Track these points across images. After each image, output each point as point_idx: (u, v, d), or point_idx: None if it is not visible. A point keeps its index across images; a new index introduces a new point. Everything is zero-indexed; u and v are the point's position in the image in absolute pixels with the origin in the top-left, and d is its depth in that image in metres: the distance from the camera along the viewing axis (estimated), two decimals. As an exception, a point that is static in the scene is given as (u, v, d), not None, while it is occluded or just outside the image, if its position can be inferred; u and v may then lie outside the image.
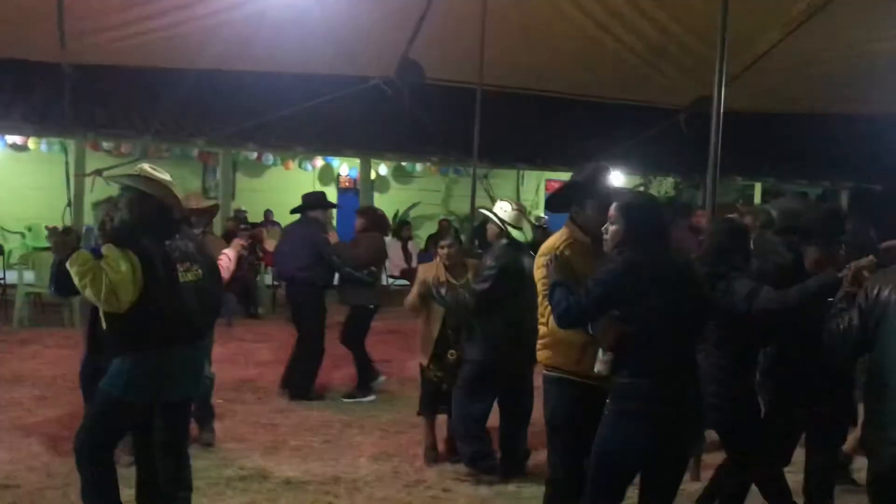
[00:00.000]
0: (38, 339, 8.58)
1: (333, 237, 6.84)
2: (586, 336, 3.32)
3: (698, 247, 5.73)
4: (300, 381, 6.77)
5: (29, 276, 9.54)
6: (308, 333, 6.86)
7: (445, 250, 5.35)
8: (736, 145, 6.54)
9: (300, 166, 14.64)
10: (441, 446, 5.39)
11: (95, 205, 3.91)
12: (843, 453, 4.44)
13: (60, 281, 3.61)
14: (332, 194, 15.28)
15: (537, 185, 17.04)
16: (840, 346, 3.14)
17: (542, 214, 13.40)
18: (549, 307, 3.35)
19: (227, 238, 7.15)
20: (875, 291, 3.01)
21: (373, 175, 14.56)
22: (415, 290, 5.38)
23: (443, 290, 5.05)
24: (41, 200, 13.36)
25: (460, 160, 13.14)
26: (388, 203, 16.08)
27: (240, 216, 12.41)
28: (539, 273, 3.53)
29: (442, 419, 5.42)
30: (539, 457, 5.09)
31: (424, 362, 5.40)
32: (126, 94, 11.94)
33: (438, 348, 5.30)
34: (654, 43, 8.55)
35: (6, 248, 11.99)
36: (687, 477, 4.64)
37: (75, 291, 3.60)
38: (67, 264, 3.49)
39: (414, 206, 16.17)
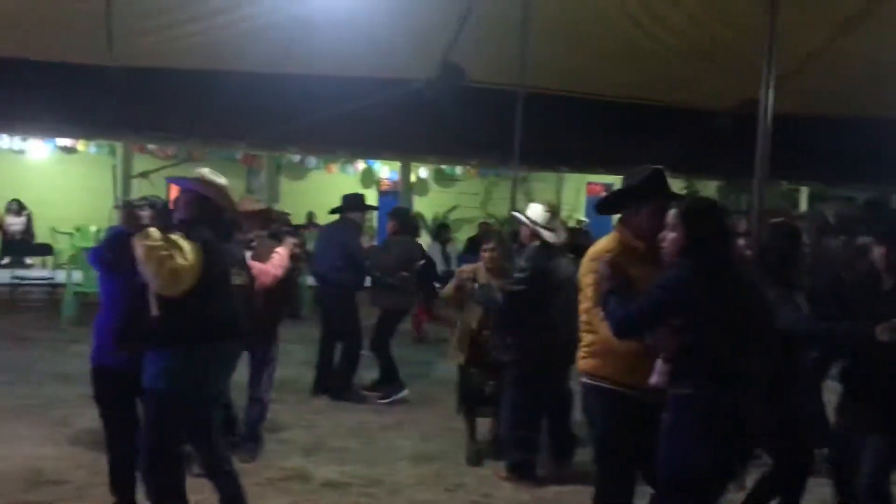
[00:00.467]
0: (86, 337, 8.71)
1: (367, 240, 6.82)
2: (639, 346, 3.20)
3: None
4: (339, 382, 6.81)
5: (77, 275, 9.74)
6: (344, 334, 6.90)
7: (488, 254, 5.41)
8: (781, 148, 6.38)
9: (342, 169, 14.75)
10: (483, 445, 5.45)
11: (119, 207, 4.00)
12: None
13: (104, 252, 3.74)
14: (372, 197, 15.39)
15: (578, 188, 16.91)
16: None
17: (583, 218, 13.30)
18: (602, 315, 3.24)
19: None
20: None
21: (413, 178, 14.59)
22: (452, 283, 5.54)
23: (476, 286, 5.15)
24: (89, 201, 13.64)
25: (500, 163, 13.08)
26: (427, 206, 16.13)
27: (282, 218, 12.52)
28: (588, 279, 3.39)
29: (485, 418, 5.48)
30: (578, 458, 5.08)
31: (461, 361, 5.43)
32: (171, 97, 12.08)
33: (476, 348, 5.32)
34: (698, 45, 8.43)
35: (56, 248, 12.27)
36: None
37: (112, 267, 3.73)
38: (137, 237, 3.50)
39: (453, 209, 16.17)
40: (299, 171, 15.14)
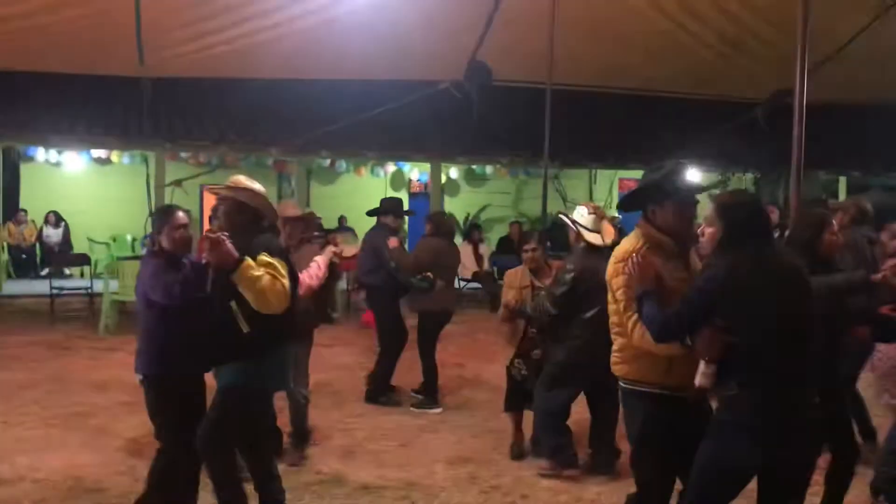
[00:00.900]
0: (124, 346, 8.83)
1: (393, 242, 6.79)
2: (675, 347, 3.13)
3: None
4: (373, 384, 6.84)
5: (114, 284, 9.86)
6: (379, 337, 6.93)
7: (530, 254, 5.45)
8: (818, 138, 6.24)
9: (372, 172, 14.78)
10: (527, 441, 5.50)
11: (153, 215, 4.05)
12: None
13: (191, 286, 3.75)
14: (403, 199, 15.41)
15: (610, 184, 16.77)
16: None
17: (616, 214, 13.19)
18: (635, 318, 3.18)
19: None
20: None
21: (443, 179, 14.58)
22: (511, 296, 5.41)
23: (527, 308, 5.19)
24: (125, 211, 13.85)
25: (531, 161, 13.02)
26: (458, 206, 16.10)
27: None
28: (618, 280, 3.29)
29: (529, 415, 5.48)
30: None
31: (509, 360, 5.52)
32: (202, 106, 12.24)
33: (523, 347, 5.35)
34: (728, 35, 8.32)
35: (93, 257, 12.46)
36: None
37: (194, 296, 3.76)
38: (244, 269, 3.56)
39: (484, 208, 16.12)
40: (330, 176, 15.20)
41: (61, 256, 13.49)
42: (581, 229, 4.96)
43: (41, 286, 11.51)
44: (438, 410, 6.65)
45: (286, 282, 3.70)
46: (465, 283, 12.92)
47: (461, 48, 9.02)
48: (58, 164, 13.95)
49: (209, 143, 12.04)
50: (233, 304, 3.72)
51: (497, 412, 6.61)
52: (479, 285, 12.87)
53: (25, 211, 13.99)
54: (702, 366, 3.05)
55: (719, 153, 12.99)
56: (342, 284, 11.87)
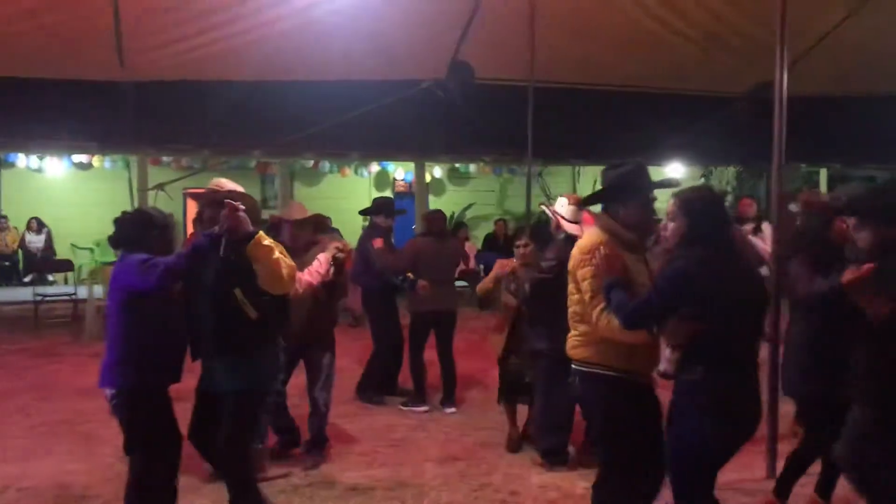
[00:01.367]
0: (110, 351, 8.81)
1: (377, 242, 6.77)
2: (641, 335, 3.26)
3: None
4: (362, 383, 6.86)
5: (98, 290, 9.80)
6: (374, 337, 6.94)
7: (522, 249, 5.55)
8: (798, 131, 6.31)
9: (356, 173, 14.76)
10: (522, 432, 5.63)
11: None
12: None
13: (191, 256, 3.57)
14: (387, 199, 15.41)
15: (594, 180, 16.83)
16: None
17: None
18: (602, 307, 3.28)
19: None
20: None
21: (428, 178, 14.58)
22: (490, 276, 5.69)
23: (511, 286, 5.37)
24: (108, 216, 13.58)
25: (514, 159, 13.05)
26: (443, 205, 16.06)
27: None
28: (585, 271, 3.38)
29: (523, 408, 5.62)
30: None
31: (499, 353, 5.61)
32: (183, 109, 12.15)
33: (514, 338, 5.49)
34: (708, 29, 8.36)
35: (76, 263, 12.38)
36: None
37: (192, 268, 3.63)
38: (259, 238, 3.57)
39: (469, 206, 16.14)
40: (313, 177, 15.17)
41: (44, 262, 13.40)
42: (561, 220, 5.04)
43: (24, 293, 11.44)
44: (424, 409, 6.65)
45: (291, 262, 3.75)
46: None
47: (443, 47, 9.01)
48: (39, 170, 13.85)
49: (191, 146, 11.99)
50: (237, 291, 3.68)
51: (487, 410, 6.64)
52: (466, 283, 12.89)
53: (7, 217, 13.88)
54: (667, 352, 3.22)
55: (701, 147, 13.06)
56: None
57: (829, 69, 8.96)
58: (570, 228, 4.98)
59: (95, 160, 12.99)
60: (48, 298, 10.82)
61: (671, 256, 3.27)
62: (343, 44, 8.17)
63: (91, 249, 13.83)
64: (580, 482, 4.86)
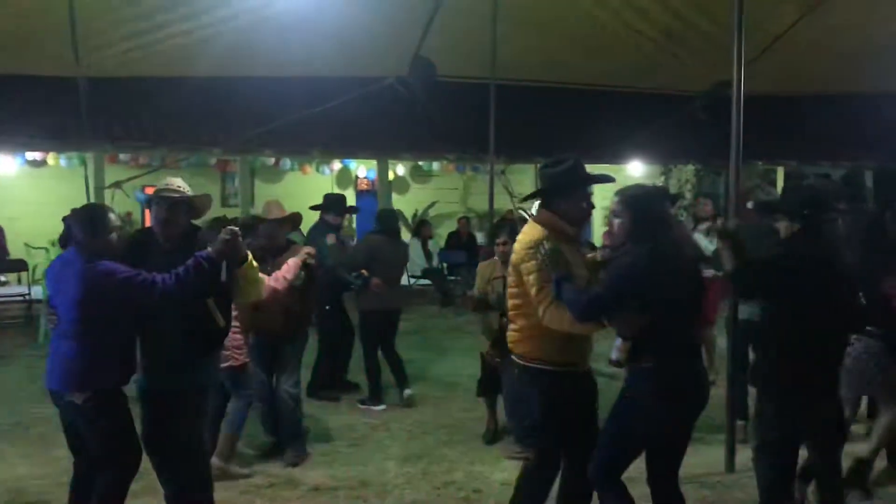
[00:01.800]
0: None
1: (330, 239, 6.70)
2: (590, 327, 3.42)
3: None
4: (312, 382, 6.83)
5: (53, 290, 9.59)
6: (320, 334, 6.92)
7: (501, 247, 5.60)
8: (756, 129, 6.43)
9: (318, 170, 14.65)
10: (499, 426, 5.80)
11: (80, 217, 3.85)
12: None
13: (194, 281, 3.55)
14: (350, 197, 15.30)
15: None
16: None
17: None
18: (549, 301, 3.37)
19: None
20: None
21: (391, 176, 14.53)
22: (474, 292, 5.71)
23: (493, 298, 5.42)
24: (63, 215, 13.43)
25: (477, 157, 13.06)
26: (407, 203, 16.07)
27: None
28: (530, 265, 3.46)
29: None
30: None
31: (485, 349, 5.69)
32: (140, 105, 11.97)
33: (501, 341, 5.48)
34: (667, 29, 8.42)
35: (30, 263, 12.11)
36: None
37: (204, 294, 3.68)
38: (250, 261, 3.82)
39: (432, 205, 16.11)
40: (274, 175, 15.02)
41: (-3, 262, 13.07)
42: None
43: (-24, 294, 11.15)
44: (382, 408, 6.62)
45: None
46: (414, 279, 12.91)
47: (404, 44, 8.96)
48: (-9, 168, 13.53)
49: (149, 143, 11.80)
50: (210, 300, 3.74)
51: (449, 408, 6.64)
52: (429, 281, 12.88)
53: (-43, 217, 13.53)
54: (618, 342, 3.35)
55: (661, 145, 13.20)
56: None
57: (786, 68, 9.10)
58: None
59: (50, 158, 12.72)
60: (1, 299, 10.56)
61: (619, 252, 3.44)
62: (303, 40, 8.07)
63: (46, 249, 13.51)
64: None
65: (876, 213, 4.65)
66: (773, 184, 14.57)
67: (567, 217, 3.58)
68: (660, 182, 14.28)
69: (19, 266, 12.14)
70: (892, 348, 4.35)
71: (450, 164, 14.45)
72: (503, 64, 7.57)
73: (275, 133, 11.56)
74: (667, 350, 3.29)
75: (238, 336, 4.92)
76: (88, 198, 12.26)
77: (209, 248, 3.60)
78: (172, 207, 3.83)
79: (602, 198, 7.43)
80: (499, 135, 7.59)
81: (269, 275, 4.81)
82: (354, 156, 13.93)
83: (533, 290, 3.44)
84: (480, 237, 13.38)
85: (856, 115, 12.74)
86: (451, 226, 14.85)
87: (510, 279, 3.65)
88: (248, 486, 4.83)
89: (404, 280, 12.96)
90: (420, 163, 14.81)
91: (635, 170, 14.53)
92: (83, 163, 12.94)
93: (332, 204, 7.01)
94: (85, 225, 3.75)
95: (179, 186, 3.89)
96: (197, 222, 4.04)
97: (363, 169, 15.17)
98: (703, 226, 7.52)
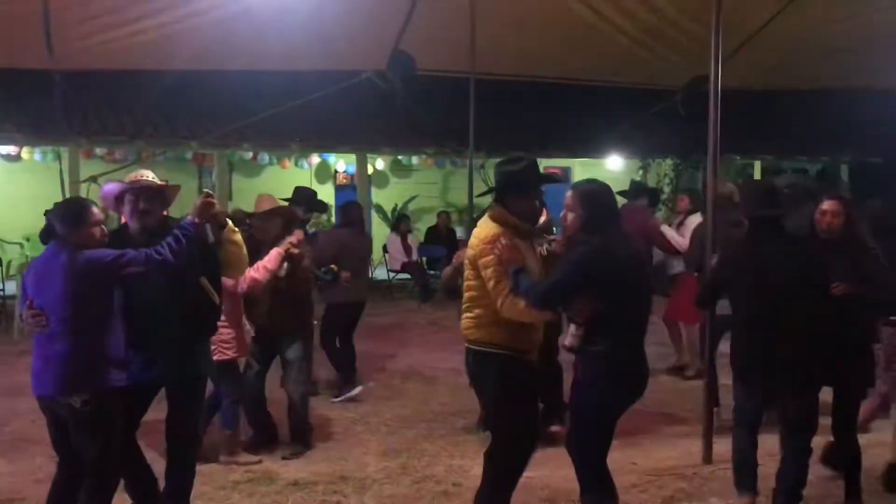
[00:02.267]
0: (40, 349, 8.52)
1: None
2: (546, 315, 3.70)
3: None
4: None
5: (28, 286, 9.48)
6: None
7: None
8: (734, 124, 6.48)
9: (296, 164, 14.56)
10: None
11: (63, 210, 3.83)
12: None
13: (185, 247, 3.64)
14: (329, 192, 15.22)
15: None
16: None
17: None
18: (507, 292, 3.58)
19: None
20: None
21: (370, 170, 14.48)
22: (451, 266, 5.72)
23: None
24: (38, 210, 13.14)
25: (456, 151, 13.05)
26: (386, 197, 16.03)
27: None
28: (488, 259, 3.65)
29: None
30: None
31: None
32: (117, 99, 11.87)
33: None
34: (646, 24, 8.43)
35: (4, 259, 11.95)
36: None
37: (193, 258, 3.73)
38: (228, 230, 4.02)
39: (412, 199, 16.09)
40: (253, 169, 14.92)
41: (-30, 258, 12.88)
42: None
43: (-51, 290, 10.98)
44: (359, 390, 6.60)
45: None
46: (394, 273, 12.89)
47: (383, 37, 8.90)
48: (-37, 163, 13.33)
49: (125, 137, 11.69)
50: (203, 279, 3.86)
51: (428, 402, 6.64)
52: (409, 276, 12.86)
53: (-71, 211, 13.33)
54: (572, 328, 3.59)
55: (640, 140, 13.27)
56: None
57: (763, 64, 9.15)
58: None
59: (24, 152, 12.54)
60: (-26, 295, 10.42)
61: (573, 243, 3.69)
62: (281, 33, 8.00)
63: (20, 244, 13.37)
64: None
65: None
66: (751, 178, 14.68)
67: (520, 214, 3.80)
68: (638, 176, 14.34)
69: (-7, 261, 11.97)
70: None
71: (429, 158, 14.43)
72: (483, 58, 7.56)
73: (253, 127, 11.51)
74: (617, 334, 3.54)
75: (226, 330, 4.85)
76: (64, 193, 12.14)
77: (189, 216, 3.73)
78: (150, 198, 3.85)
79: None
80: (478, 129, 7.59)
81: None
82: (333, 150, 13.87)
83: (491, 283, 3.65)
84: (460, 231, 13.36)
85: (832, 111, 12.88)
86: (430, 220, 14.83)
87: (467, 272, 3.84)
88: (226, 481, 4.80)
89: (383, 275, 13.09)
90: (399, 157, 14.77)
91: (614, 164, 14.58)
92: (58, 157, 12.79)
93: (303, 198, 7.00)
94: (67, 218, 3.65)
95: (150, 177, 3.91)
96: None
97: (342, 163, 15.10)
98: (677, 219, 7.67)
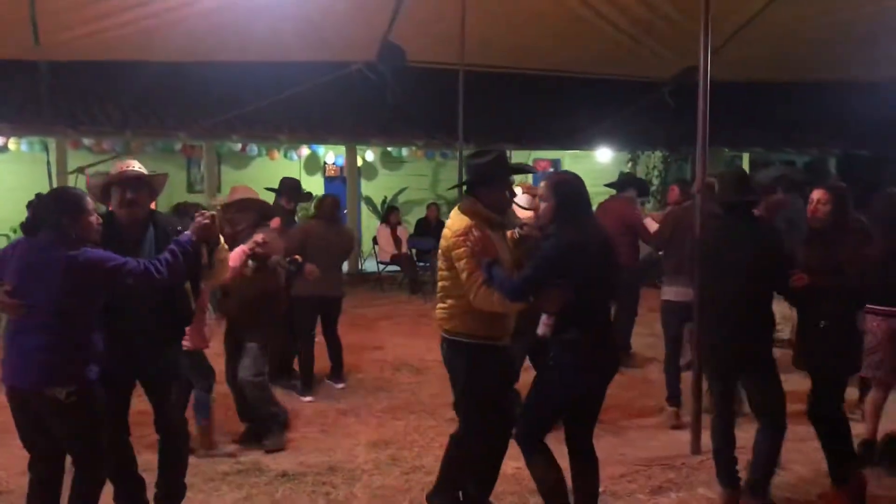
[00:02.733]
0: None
1: (275, 223, 6.57)
2: (518, 305, 3.74)
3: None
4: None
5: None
6: None
7: None
8: (723, 116, 6.51)
9: (285, 156, 14.51)
10: None
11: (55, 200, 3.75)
12: None
13: (182, 266, 3.67)
14: (318, 183, 15.19)
15: (526, 163, 16.93)
16: None
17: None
18: (480, 283, 3.68)
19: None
20: None
21: (360, 162, 14.44)
22: None
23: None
24: (25, 201, 13.12)
25: (446, 143, 13.04)
26: (376, 189, 16.01)
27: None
28: (461, 251, 3.74)
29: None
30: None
31: None
32: (105, 90, 11.79)
33: None
34: (636, 16, 8.44)
35: (-9, 250, 11.89)
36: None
37: (185, 276, 3.81)
38: (218, 251, 3.95)
39: (402, 191, 16.07)
40: (242, 160, 14.87)
41: (-43, 250, 12.81)
42: (517, 207, 5.20)
43: (-65, 282, 10.92)
44: (309, 399, 6.49)
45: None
46: (384, 265, 12.89)
47: (373, 29, 8.88)
48: (-51, 154, 13.23)
49: (112, 128, 11.62)
50: (187, 284, 3.92)
51: (418, 394, 6.65)
52: (399, 268, 12.86)
53: (-86, 203, 13.23)
54: (544, 318, 3.69)
55: (629, 132, 13.28)
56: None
57: (752, 56, 9.18)
58: (525, 215, 5.14)
59: (11, 143, 12.46)
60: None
61: (545, 234, 3.79)
62: (269, 24, 7.98)
63: (7, 236, 13.28)
64: (509, 462, 4.89)
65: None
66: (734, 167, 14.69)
67: (490, 205, 3.87)
68: (627, 168, 14.36)
69: (-20, 253, 11.90)
70: None
71: (419, 150, 14.41)
72: (472, 50, 7.55)
73: (241, 118, 11.47)
74: (588, 323, 3.67)
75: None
76: (51, 183, 12.10)
77: (188, 232, 3.74)
78: (139, 188, 3.85)
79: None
80: (468, 121, 7.57)
81: None
82: (323, 141, 13.83)
83: (464, 275, 3.74)
84: (450, 224, 13.35)
85: (821, 103, 12.91)
86: (420, 212, 14.81)
87: (440, 263, 3.93)
88: (215, 473, 4.79)
89: (373, 266, 13.07)
90: (389, 149, 14.74)
91: (603, 156, 14.60)
92: (45, 148, 12.72)
93: (287, 188, 6.97)
94: (68, 207, 3.54)
95: (137, 167, 3.91)
96: (160, 208, 4.05)
97: (332, 155, 15.07)
98: (667, 210, 7.68)
